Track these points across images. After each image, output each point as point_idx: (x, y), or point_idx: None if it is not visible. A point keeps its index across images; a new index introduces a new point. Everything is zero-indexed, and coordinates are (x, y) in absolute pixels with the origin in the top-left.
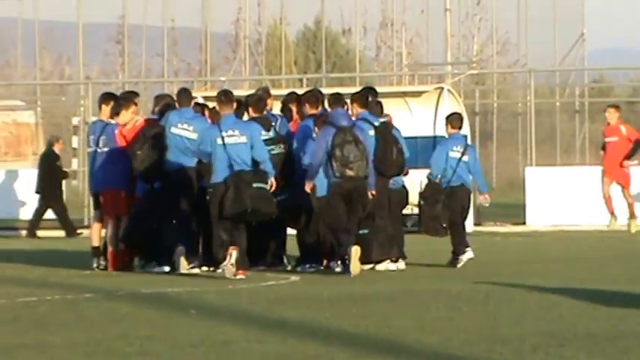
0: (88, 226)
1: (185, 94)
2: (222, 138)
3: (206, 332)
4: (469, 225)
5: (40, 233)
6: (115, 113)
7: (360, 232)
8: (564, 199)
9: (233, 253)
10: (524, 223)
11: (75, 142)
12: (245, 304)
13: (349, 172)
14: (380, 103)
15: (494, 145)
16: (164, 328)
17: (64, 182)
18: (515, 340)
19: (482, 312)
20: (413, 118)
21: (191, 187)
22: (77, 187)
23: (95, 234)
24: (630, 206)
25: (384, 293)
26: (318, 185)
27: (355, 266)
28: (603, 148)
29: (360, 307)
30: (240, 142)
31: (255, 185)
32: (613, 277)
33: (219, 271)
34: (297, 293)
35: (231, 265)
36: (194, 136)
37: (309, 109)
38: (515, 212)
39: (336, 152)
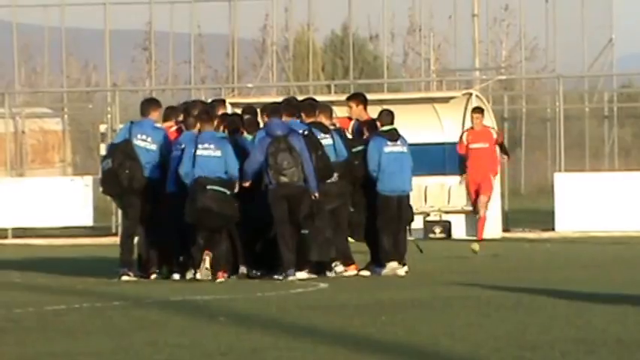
0: (116, 234)
1: (147, 104)
2: (196, 150)
3: (235, 340)
4: (497, 231)
5: (66, 241)
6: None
7: (301, 231)
8: (593, 204)
9: (207, 259)
10: (553, 229)
11: (102, 149)
12: (274, 311)
13: (283, 179)
14: (390, 112)
15: (522, 151)
16: (193, 335)
17: (92, 190)
18: (545, 347)
19: (512, 318)
20: (441, 124)
21: (153, 197)
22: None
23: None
24: (479, 222)
25: (412, 300)
26: None
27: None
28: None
29: (389, 314)
30: (213, 156)
31: (210, 187)
32: None
33: (198, 275)
34: (325, 300)
35: (206, 269)
36: (153, 147)
37: (305, 118)
38: (544, 218)
39: (269, 161)
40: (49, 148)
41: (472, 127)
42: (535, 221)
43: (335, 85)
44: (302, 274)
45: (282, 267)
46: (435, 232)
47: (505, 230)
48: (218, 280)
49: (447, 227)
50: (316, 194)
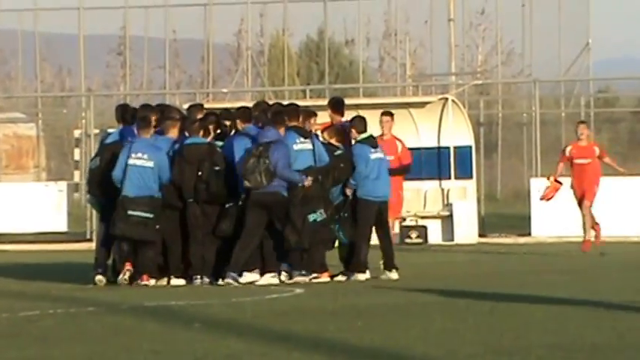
0: (90, 239)
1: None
2: (129, 158)
3: (210, 346)
4: (473, 236)
5: (40, 247)
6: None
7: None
8: (569, 210)
9: (127, 273)
10: (529, 234)
11: (77, 154)
12: (249, 317)
13: (246, 184)
14: (363, 119)
15: (499, 156)
16: (168, 341)
17: (66, 195)
18: (521, 352)
19: (488, 324)
20: (417, 129)
21: None
22: (79, 200)
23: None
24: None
25: (389, 305)
26: None
27: None
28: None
29: (365, 319)
30: (146, 166)
31: (130, 213)
32: (618, 288)
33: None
34: (301, 306)
35: (125, 280)
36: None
37: (288, 122)
38: (520, 223)
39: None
40: (23, 153)
41: (577, 141)
42: (511, 226)
43: (310, 89)
44: (251, 277)
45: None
46: (411, 237)
47: (481, 235)
48: (143, 283)
49: (423, 232)
50: (305, 180)
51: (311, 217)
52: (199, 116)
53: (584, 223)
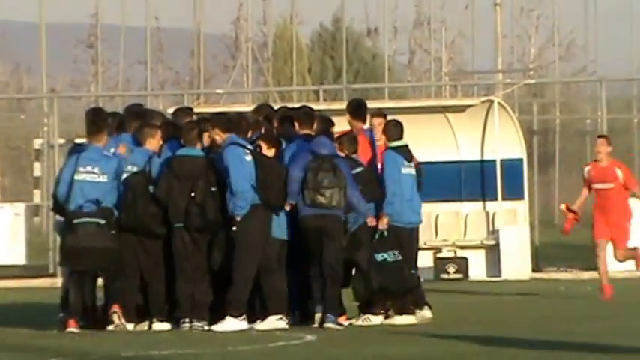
0: (53, 274)
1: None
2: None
3: None
4: (525, 270)
5: None
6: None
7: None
8: None
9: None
10: (595, 269)
11: (37, 170)
12: None
13: (320, 199)
14: (399, 124)
15: (556, 171)
16: None
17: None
18: None
19: None
20: (455, 138)
21: None
22: (40, 226)
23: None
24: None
25: (421, 355)
26: (275, 225)
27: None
28: None
29: None
30: (97, 181)
31: (77, 221)
32: None
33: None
34: (312, 356)
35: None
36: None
37: (299, 129)
38: (584, 255)
39: (308, 177)
40: None
41: (596, 161)
42: (572, 258)
43: (324, 90)
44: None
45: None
46: (448, 272)
47: (535, 270)
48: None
49: (463, 266)
50: (369, 219)
51: (379, 257)
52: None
53: (599, 266)
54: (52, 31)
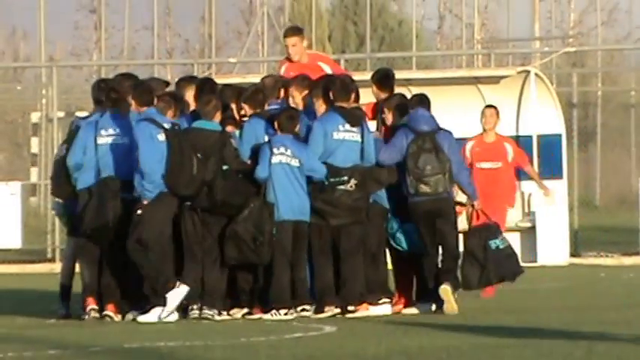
0: (51, 259)
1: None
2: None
3: None
4: (563, 255)
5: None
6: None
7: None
8: None
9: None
10: (638, 253)
11: (34, 145)
12: None
13: (424, 188)
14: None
15: (597, 148)
16: None
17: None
18: None
19: None
20: None
21: None
22: (37, 207)
23: (66, 269)
24: None
25: (450, 348)
26: (285, 206)
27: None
28: None
29: None
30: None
31: (122, 196)
32: None
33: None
34: (332, 349)
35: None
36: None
37: (336, 100)
38: (627, 238)
39: (409, 164)
40: None
41: (482, 134)
42: (614, 242)
43: (346, 59)
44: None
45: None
46: None
47: (574, 255)
48: (105, 313)
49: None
50: (475, 203)
51: (492, 244)
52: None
53: None
54: None
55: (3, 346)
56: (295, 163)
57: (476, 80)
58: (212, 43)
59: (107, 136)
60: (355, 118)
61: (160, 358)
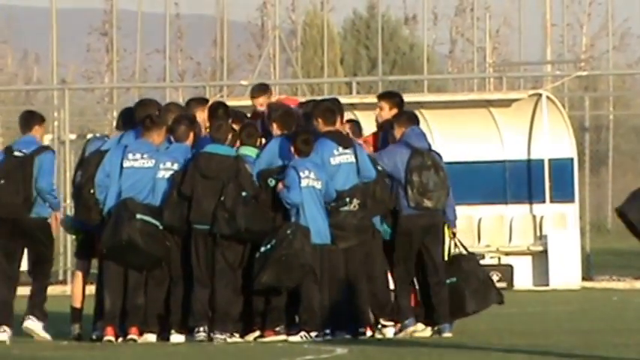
0: (63, 282)
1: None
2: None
3: None
4: (575, 279)
5: None
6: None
7: (448, 281)
8: None
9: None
10: None
11: None
12: None
13: (427, 203)
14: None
15: (609, 171)
16: None
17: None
18: None
19: None
20: (500, 135)
21: None
22: None
23: (77, 290)
24: None
25: None
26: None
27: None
28: None
29: None
30: (146, 167)
31: (139, 217)
32: None
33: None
34: None
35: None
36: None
37: (322, 126)
38: (638, 263)
39: (412, 178)
40: None
41: None
42: (626, 266)
43: (357, 82)
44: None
45: (400, 315)
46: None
47: (586, 278)
48: (129, 337)
49: (507, 274)
50: (455, 230)
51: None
52: (199, 114)
53: None
54: (64, 17)
55: None
56: (319, 185)
57: (487, 103)
58: (224, 65)
59: (133, 160)
60: (346, 140)
61: None
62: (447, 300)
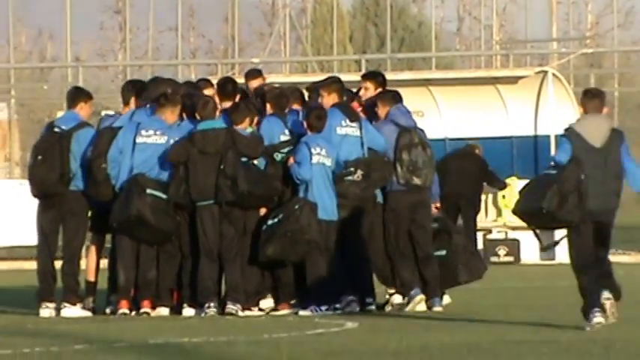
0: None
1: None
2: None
3: None
4: None
5: (12, 265)
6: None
7: (438, 253)
8: None
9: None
10: None
11: None
12: (285, 358)
13: (416, 181)
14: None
15: None
16: None
17: None
18: None
19: None
20: (507, 111)
21: None
22: None
23: (91, 264)
24: None
25: (470, 344)
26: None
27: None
28: None
29: None
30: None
31: (149, 192)
32: None
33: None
34: (354, 345)
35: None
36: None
37: (328, 100)
38: None
39: (402, 156)
40: None
41: None
42: (631, 240)
43: (367, 60)
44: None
45: (404, 287)
46: (498, 255)
47: None
48: (142, 310)
49: (514, 248)
50: (438, 205)
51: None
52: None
53: None
54: None
55: (30, 341)
56: (328, 162)
57: (494, 80)
58: (235, 43)
59: (146, 136)
60: (354, 113)
61: (184, 353)
62: (437, 275)
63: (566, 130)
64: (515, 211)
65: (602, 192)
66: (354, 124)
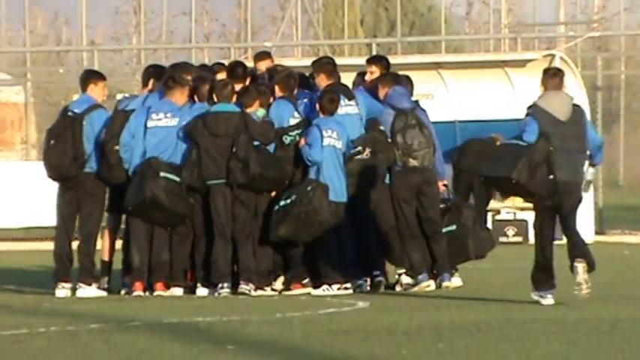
0: None
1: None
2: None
3: None
4: (588, 233)
5: (29, 245)
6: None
7: (447, 229)
8: None
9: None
10: None
11: None
12: (298, 337)
13: (413, 162)
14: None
15: (621, 130)
16: None
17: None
18: None
19: (606, 346)
20: (515, 94)
21: None
22: None
23: (106, 244)
24: None
25: (479, 323)
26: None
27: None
28: None
29: (448, 341)
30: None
31: (163, 175)
32: None
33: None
34: (365, 324)
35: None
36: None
37: (325, 80)
38: None
39: (397, 139)
40: (7, 124)
41: None
42: (638, 221)
43: (377, 43)
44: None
45: (413, 270)
46: (507, 235)
47: (599, 232)
48: (156, 293)
49: (523, 228)
50: (445, 182)
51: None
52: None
53: None
54: None
55: (46, 320)
56: (339, 145)
57: (503, 63)
58: (248, 27)
59: (157, 120)
60: (349, 91)
61: (198, 332)
62: (446, 251)
63: (530, 107)
64: (478, 173)
65: (570, 163)
66: (351, 102)
